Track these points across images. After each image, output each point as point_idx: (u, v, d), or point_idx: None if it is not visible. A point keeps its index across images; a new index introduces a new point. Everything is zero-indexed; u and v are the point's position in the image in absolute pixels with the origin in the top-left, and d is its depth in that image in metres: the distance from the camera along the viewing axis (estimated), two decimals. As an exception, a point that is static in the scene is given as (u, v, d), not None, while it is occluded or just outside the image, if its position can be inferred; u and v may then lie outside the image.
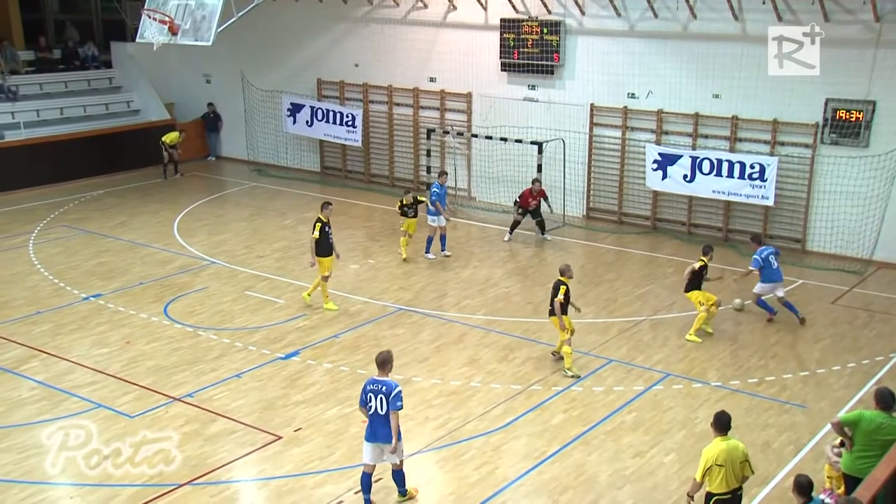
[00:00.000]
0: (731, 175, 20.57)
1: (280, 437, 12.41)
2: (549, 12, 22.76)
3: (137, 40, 22.29)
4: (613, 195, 23.04)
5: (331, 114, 26.97)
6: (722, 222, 21.60)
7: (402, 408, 10.45)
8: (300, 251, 20.28)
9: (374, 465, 10.76)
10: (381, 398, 10.39)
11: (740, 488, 9.73)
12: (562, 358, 14.64)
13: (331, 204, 17.20)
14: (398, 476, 10.90)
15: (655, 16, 21.29)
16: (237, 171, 28.98)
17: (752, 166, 20.27)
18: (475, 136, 24.18)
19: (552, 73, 23.11)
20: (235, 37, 24.61)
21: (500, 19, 23.43)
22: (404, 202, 19.78)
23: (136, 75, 29.92)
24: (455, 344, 15.66)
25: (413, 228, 19.97)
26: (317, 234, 16.58)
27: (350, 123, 26.63)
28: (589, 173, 23.22)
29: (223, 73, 29.62)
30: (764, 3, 19.44)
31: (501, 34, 23.47)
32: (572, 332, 14.61)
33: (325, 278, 16.97)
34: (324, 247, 16.68)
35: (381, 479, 11.14)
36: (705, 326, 16.00)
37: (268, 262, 19.85)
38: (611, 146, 22.81)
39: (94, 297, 17.63)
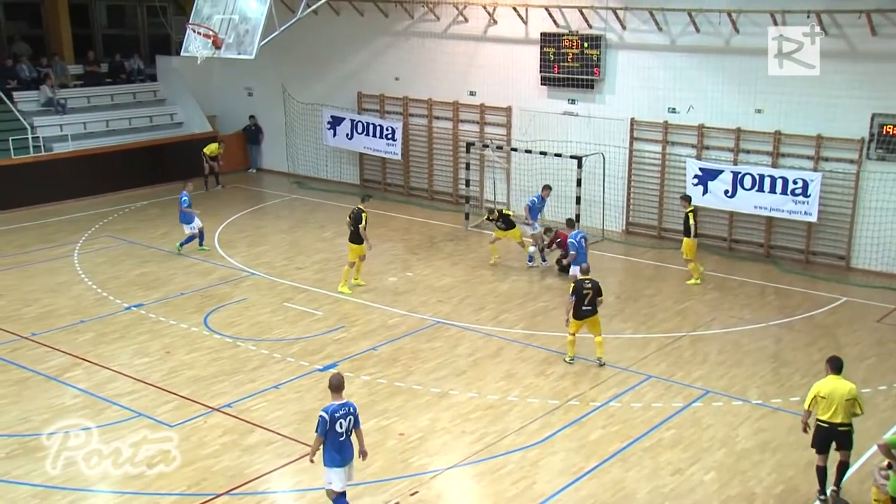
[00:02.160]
0: (773, 190, 20.34)
1: (317, 449, 12.42)
2: (590, 27, 22.71)
3: (182, 54, 22.58)
4: (653, 210, 22.87)
5: (371, 127, 27.12)
6: (763, 238, 21.34)
7: None
8: (339, 263, 20.37)
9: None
10: (349, 419, 10.39)
11: (847, 425, 10.91)
12: (603, 364, 15.05)
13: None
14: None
15: (697, 30, 21.15)
16: (277, 184, 29.23)
17: (794, 182, 20.01)
18: (514, 149, 24.17)
19: (592, 87, 23.04)
20: (277, 50, 24.84)
21: (541, 33, 23.42)
22: (490, 218, 20.72)
23: (179, 88, 30.34)
24: (492, 358, 15.60)
25: (517, 236, 20.70)
26: (365, 223, 18.38)
27: (390, 136, 26.75)
28: (629, 188, 23.08)
29: (265, 87, 29.92)
30: (808, 16, 19.22)
31: (542, 48, 23.45)
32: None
33: (352, 264, 18.53)
34: (359, 235, 18.39)
35: (416, 492, 11.08)
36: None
37: (307, 273, 19.96)
38: (651, 161, 22.66)
39: (135, 306, 17.84)
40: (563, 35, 23.03)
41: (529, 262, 20.53)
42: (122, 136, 28.51)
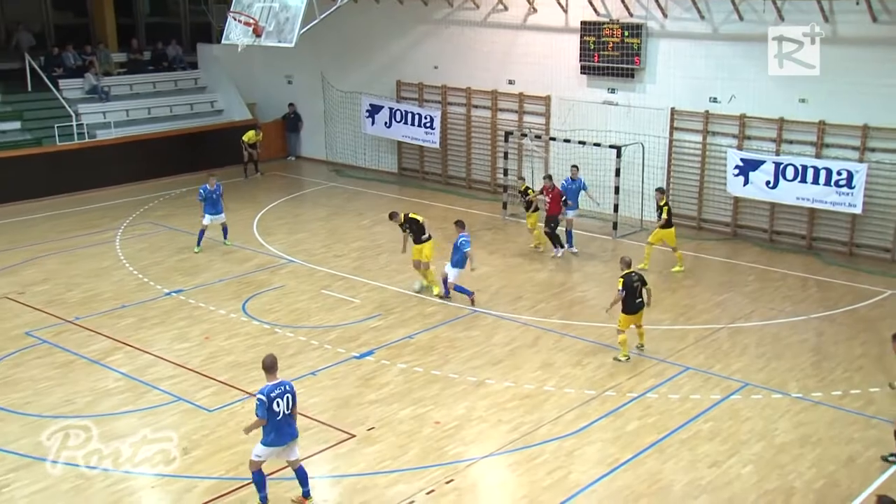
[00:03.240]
0: (816, 182, 20.04)
1: (353, 436, 12.51)
2: (631, 15, 22.50)
3: (223, 42, 22.74)
4: (693, 200, 22.65)
5: (409, 115, 27.13)
6: (806, 230, 21.05)
7: None
8: (377, 251, 20.50)
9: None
10: (286, 398, 10.46)
11: None
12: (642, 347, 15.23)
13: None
14: (304, 473, 10.86)
15: (741, 18, 20.86)
16: (316, 171, 29.36)
17: (839, 173, 19.70)
18: (553, 139, 24.05)
19: (632, 76, 22.83)
20: (317, 38, 24.93)
21: (581, 22, 23.25)
22: (518, 191, 20.93)
23: (220, 76, 30.57)
24: (529, 347, 15.58)
25: (529, 223, 20.81)
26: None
27: (428, 125, 26.74)
28: (668, 178, 22.86)
29: (304, 75, 30.05)
30: (858, 3, 18.86)
31: (581, 37, 23.28)
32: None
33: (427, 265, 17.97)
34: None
35: (451, 480, 11.10)
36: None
37: (344, 261, 20.04)
38: (691, 151, 22.43)
39: (175, 292, 18.04)
40: (603, 24, 22.84)
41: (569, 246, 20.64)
42: (163, 123, 28.83)
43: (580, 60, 23.52)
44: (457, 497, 11.08)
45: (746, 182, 21.06)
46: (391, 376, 14.37)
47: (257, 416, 10.38)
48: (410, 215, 17.98)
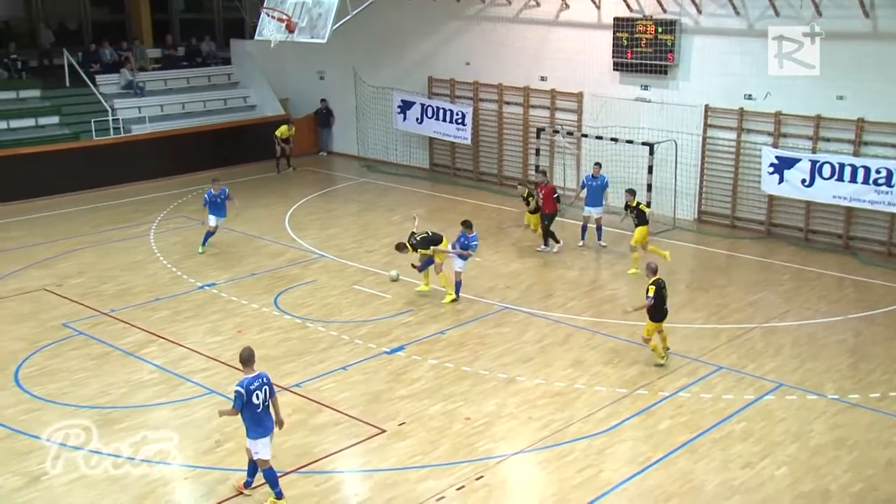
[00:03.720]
0: (853, 180, 19.77)
1: (384, 431, 12.53)
2: (665, 11, 22.33)
3: (256, 38, 22.87)
4: (727, 199, 22.45)
5: (441, 111, 27.12)
6: (842, 229, 20.78)
7: None
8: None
9: None
10: (265, 390, 10.51)
11: None
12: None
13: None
14: (274, 472, 10.82)
15: (777, 14, 20.61)
16: (347, 167, 29.45)
17: (877, 171, 19.42)
18: (585, 135, 23.93)
19: (666, 73, 22.66)
20: (349, 34, 24.98)
21: (614, 18, 23.11)
22: (527, 189, 20.77)
23: (252, 71, 30.75)
24: (560, 345, 15.52)
25: (533, 223, 20.76)
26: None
27: (460, 121, 26.72)
28: (701, 176, 22.68)
29: (336, 70, 30.13)
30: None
31: (614, 33, 23.14)
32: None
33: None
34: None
35: (481, 476, 11.08)
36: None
37: (376, 257, 20.08)
38: (725, 148, 22.22)
39: (208, 286, 18.17)
40: (636, 20, 22.68)
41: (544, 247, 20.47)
42: (196, 118, 29.07)
43: (613, 57, 23.37)
44: (486, 493, 11.07)
45: (781, 180, 20.83)
46: (422, 372, 14.38)
47: (234, 407, 10.44)
48: (419, 237, 17.34)
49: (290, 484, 11.19)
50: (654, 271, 14.52)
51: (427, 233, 17.52)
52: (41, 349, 15.11)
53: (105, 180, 26.04)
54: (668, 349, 14.83)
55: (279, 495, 10.74)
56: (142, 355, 14.89)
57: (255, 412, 10.46)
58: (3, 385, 13.81)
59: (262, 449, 10.60)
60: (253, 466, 10.84)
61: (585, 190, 20.55)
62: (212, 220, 20.21)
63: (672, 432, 12.53)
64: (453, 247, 17.32)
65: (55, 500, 10.91)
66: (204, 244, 20.37)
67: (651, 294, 14.15)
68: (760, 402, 13.40)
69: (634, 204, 19.09)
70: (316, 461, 11.75)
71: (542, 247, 20.40)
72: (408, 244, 17.36)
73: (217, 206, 20.22)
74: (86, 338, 15.60)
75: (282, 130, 28.18)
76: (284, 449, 11.94)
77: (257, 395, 10.43)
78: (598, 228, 20.68)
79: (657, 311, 14.34)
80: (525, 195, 20.75)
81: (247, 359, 10.58)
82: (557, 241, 20.39)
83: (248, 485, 11.00)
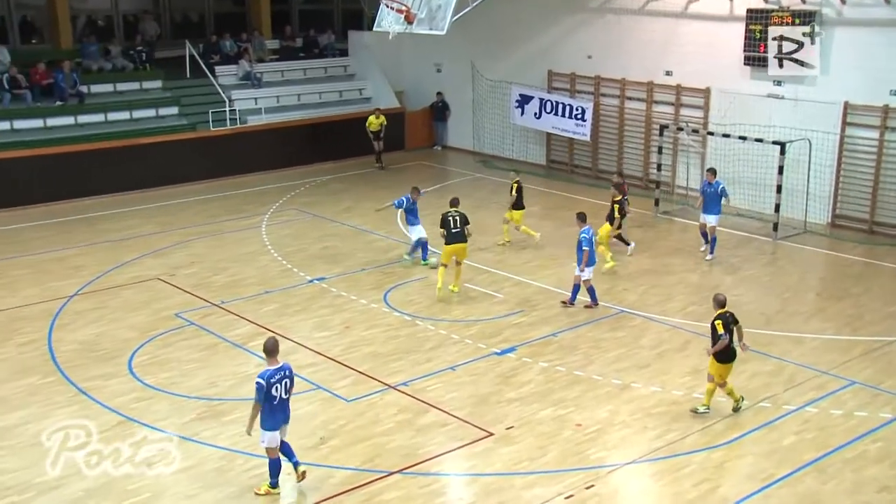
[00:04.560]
0: None
1: (492, 434, 12.48)
2: (804, 2, 21.54)
3: (374, 29, 23.15)
4: (865, 202, 21.53)
5: (560, 106, 26.91)
6: None
7: None
8: (521, 246, 20.41)
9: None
10: (285, 383, 10.56)
11: None
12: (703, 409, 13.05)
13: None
14: (289, 447, 10.96)
15: (929, 3, 19.66)
16: (462, 162, 29.53)
17: None
18: (711, 133, 23.33)
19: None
20: (468, 26, 24.98)
21: (747, 10, 22.46)
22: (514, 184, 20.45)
23: (369, 64, 31.18)
24: (678, 351, 15.16)
25: (518, 219, 20.43)
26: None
27: (579, 117, 26.45)
28: (837, 177, 21.83)
29: (453, 63, 30.26)
30: None
31: (747, 25, 22.48)
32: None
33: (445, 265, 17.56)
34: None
35: (592, 485, 10.90)
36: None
37: (488, 255, 20.05)
38: (866, 148, 21.31)
39: (318, 280, 18.50)
40: (772, 11, 21.95)
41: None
42: (312, 109, 29.67)
43: (744, 51, 22.70)
44: (597, 503, 10.92)
45: (927, 183, 19.86)
46: (532, 375, 14.27)
47: (256, 401, 10.59)
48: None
49: (394, 485, 11.28)
50: (722, 304, 12.78)
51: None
52: (154, 338, 15.67)
53: (220, 171, 26.86)
54: (738, 405, 13.01)
55: (274, 485, 11.01)
56: (250, 348, 15.25)
57: (272, 404, 10.65)
58: (117, 373, 14.37)
59: (270, 440, 10.81)
60: (288, 448, 11.06)
61: (703, 197, 19.77)
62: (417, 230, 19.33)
63: (797, 449, 12.07)
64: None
65: (164, 488, 11.27)
66: (415, 255, 19.55)
67: (721, 330, 12.51)
68: (898, 421, 12.79)
69: (618, 199, 19.12)
70: (421, 462, 11.79)
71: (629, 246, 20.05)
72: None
73: (414, 213, 19.40)
74: (196, 328, 16.09)
75: (370, 122, 28.09)
76: (389, 449, 12.06)
77: (277, 387, 10.61)
78: (712, 240, 19.65)
79: (728, 349, 12.65)
80: (513, 185, 20.28)
81: (271, 349, 10.74)
82: (628, 244, 20.00)
83: (296, 465, 11.16)
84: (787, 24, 21.65)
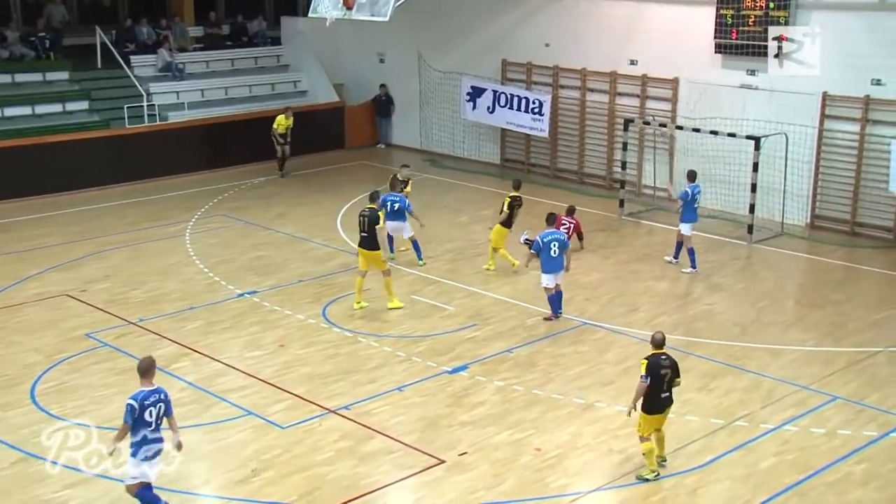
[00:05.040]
0: None
1: (443, 461, 12.44)
2: (778, -17, 21.93)
3: (310, 15, 23.08)
4: (846, 201, 21.95)
5: (515, 99, 27.06)
6: (984, 238, 20.16)
7: None
8: (474, 253, 20.43)
9: None
10: (160, 406, 10.55)
11: None
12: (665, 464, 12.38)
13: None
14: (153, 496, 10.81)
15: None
16: (408, 161, 29.29)
17: None
18: (680, 128, 23.62)
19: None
20: (413, 12, 25.06)
21: (717, -8, 22.81)
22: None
23: (305, 53, 31.09)
24: (647, 367, 15.26)
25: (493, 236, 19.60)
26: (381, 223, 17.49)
27: (536, 111, 26.61)
28: (816, 174, 22.24)
29: (398, 53, 30.29)
30: None
31: (718, 10, 22.83)
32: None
33: (364, 273, 17.63)
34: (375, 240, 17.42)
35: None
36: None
37: (437, 263, 20.05)
38: (845, 143, 21.74)
39: (248, 293, 18.33)
40: (744, -7, 22.34)
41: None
42: (241, 104, 29.43)
43: (715, 38, 23.04)
44: None
45: (914, 180, 20.29)
46: (487, 395, 14.28)
47: (124, 423, 10.50)
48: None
49: (334, 520, 11.20)
50: (659, 344, 11.92)
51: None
52: (60, 363, 15.35)
53: (137, 173, 26.48)
54: (663, 460, 12.28)
55: None
56: (172, 370, 15.02)
57: (146, 430, 10.54)
58: (18, 402, 14.02)
59: (138, 473, 10.64)
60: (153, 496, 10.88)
61: (683, 203, 19.41)
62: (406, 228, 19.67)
63: (776, 472, 12.22)
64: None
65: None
66: (420, 258, 19.93)
67: (643, 371, 11.64)
68: (885, 439, 13.00)
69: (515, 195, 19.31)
70: (365, 494, 11.72)
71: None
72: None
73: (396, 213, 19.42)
74: (111, 350, 15.83)
75: (279, 122, 27.21)
76: (329, 480, 11.96)
77: (151, 411, 10.52)
78: (690, 251, 19.49)
79: (652, 398, 11.77)
80: (506, 201, 19.34)
81: (146, 369, 10.68)
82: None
83: None
84: (761, 8, 22.01)
